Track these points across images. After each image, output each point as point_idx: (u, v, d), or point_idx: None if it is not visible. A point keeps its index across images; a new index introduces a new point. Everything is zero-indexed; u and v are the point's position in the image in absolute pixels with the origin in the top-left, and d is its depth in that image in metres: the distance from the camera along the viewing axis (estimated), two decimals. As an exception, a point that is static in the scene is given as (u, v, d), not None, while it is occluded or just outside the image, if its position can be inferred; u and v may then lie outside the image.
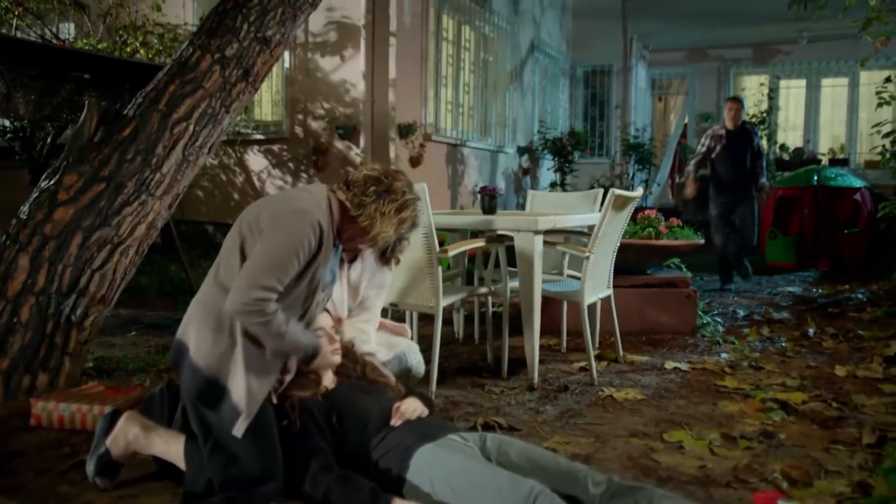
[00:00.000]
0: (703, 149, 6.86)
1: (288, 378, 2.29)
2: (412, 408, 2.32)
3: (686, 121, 13.84)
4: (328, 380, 2.44)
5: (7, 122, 7.15)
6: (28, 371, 3.09)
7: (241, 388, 2.14)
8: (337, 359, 2.45)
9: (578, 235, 4.33)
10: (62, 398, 2.89)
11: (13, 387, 3.05)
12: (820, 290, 6.81)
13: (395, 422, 2.27)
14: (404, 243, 2.65)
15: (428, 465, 2.08)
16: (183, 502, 2.14)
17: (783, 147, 11.44)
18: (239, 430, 2.12)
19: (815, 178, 8.50)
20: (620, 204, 3.68)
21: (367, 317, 2.88)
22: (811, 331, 4.91)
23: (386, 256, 2.68)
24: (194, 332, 2.18)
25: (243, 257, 2.16)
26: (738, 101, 6.93)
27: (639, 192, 3.88)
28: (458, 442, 2.18)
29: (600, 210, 3.66)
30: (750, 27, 11.79)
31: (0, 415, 2.87)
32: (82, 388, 3.10)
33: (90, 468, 2.27)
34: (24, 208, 3.24)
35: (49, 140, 6.99)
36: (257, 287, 2.06)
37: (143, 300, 5.75)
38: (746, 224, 6.82)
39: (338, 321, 2.76)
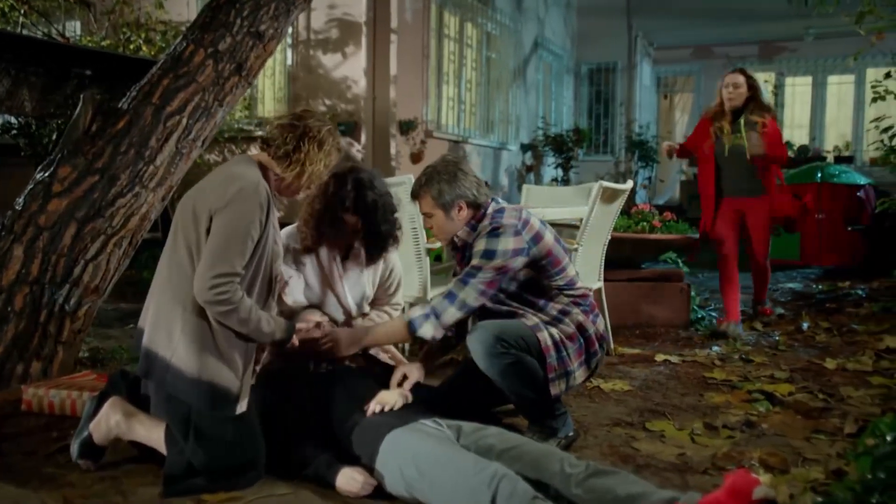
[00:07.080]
0: None
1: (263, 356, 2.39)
2: (392, 400, 2.36)
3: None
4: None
5: (12, 119, 7.21)
6: (22, 359, 3.14)
7: (230, 375, 2.22)
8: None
9: (572, 229, 4.35)
10: (53, 385, 2.94)
11: (7, 374, 3.10)
12: (820, 287, 6.80)
13: (374, 408, 2.31)
14: (397, 228, 2.78)
15: (397, 448, 2.12)
16: (164, 484, 2.18)
17: (788, 144, 11.38)
18: (241, 408, 2.24)
19: (819, 175, 8.48)
20: (609, 196, 3.70)
21: (393, 301, 2.97)
22: (805, 325, 4.92)
23: (377, 245, 2.77)
24: (165, 338, 2.25)
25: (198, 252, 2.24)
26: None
27: (628, 184, 3.91)
28: (429, 426, 2.21)
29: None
30: (756, 24, 11.76)
31: (-7, 401, 2.94)
32: (74, 376, 3.16)
33: (74, 449, 2.32)
34: (20, 199, 3.30)
35: (54, 137, 7.05)
36: (217, 275, 2.15)
37: (145, 294, 5.79)
38: None
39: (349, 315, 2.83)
